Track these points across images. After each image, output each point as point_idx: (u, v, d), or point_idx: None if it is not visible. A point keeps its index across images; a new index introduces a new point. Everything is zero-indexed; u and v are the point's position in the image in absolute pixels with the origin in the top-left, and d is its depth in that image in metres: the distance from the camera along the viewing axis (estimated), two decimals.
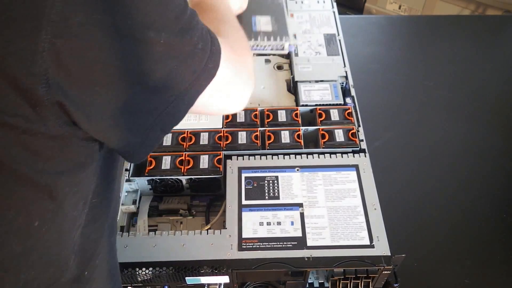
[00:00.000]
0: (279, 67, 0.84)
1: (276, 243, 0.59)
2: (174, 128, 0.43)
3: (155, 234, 0.60)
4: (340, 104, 0.75)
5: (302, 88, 0.77)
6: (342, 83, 0.79)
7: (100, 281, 0.45)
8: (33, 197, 0.35)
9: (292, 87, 0.80)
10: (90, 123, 0.34)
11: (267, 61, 0.85)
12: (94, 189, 0.41)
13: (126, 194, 0.67)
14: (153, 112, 0.38)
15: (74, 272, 0.41)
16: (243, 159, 0.67)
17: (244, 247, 0.59)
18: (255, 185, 0.65)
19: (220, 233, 0.60)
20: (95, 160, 0.39)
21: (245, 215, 0.62)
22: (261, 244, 0.59)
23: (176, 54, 0.36)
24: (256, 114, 0.73)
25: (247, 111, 0.73)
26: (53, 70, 0.30)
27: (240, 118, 0.72)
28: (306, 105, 0.75)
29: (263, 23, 0.75)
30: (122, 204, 0.66)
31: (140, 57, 0.34)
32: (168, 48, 0.35)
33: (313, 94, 0.76)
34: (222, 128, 0.71)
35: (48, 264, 0.38)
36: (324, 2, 0.94)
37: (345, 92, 0.78)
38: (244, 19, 0.73)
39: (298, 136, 0.70)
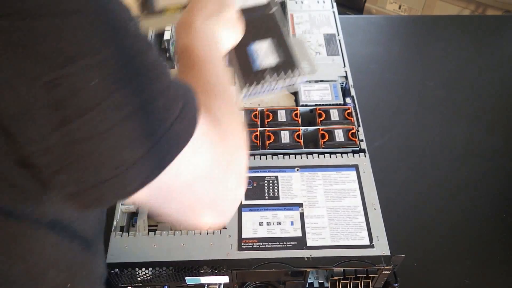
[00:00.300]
0: None
1: (276, 243, 0.59)
2: None
3: (155, 234, 0.60)
4: (340, 104, 0.75)
5: (302, 88, 0.77)
6: (342, 83, 0.79)
7: None
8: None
9: None
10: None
11: None
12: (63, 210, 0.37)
13: None
14: (92, 175, 0.28)
15: (56, 283, 0.40)
16: None
17: (244, 247, 0.59)
18: (255, 185, 0.65)
19: (220, 233, 0.60)
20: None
21: (245, 215, 0.62)
22: (261, 244, 0.59)
23: (116, 105, 0.27)
24: (256, 114, 0.73)
25: (247, 111, 0.73)
26: None
27: None
28: (306, 105, 0.75)
29: (264, 53, 0.58)
30: (122, 204, 0.66)
31: (63, 96, 0.26)
32: (108, 95, 0.27)
33: (313, 94, 0.76)
34: None
35: (12, 282, 0.37)
36: (324, 2, 0.94)
37: (345, 92, 0.78)
38: (238, 51, 0.57)
39: (298, 136, 0.70)
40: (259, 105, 0.76)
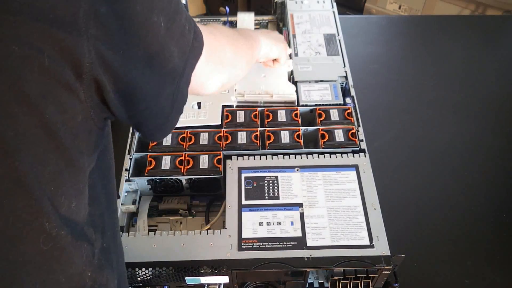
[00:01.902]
0: None
1: (276, 243, 0.59)
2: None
3: (155, 234, 0.60)
4: (340, 104, 0.75)
5: (302, 88, 0.77)
6: (342, 83, 0.79)
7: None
8: (72, 178, 0.36)
9: None
10: (117, 106, 0.37)
11: None
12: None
13: (126, 194, 0.67)
14: (169, 96, 0.42)
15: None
16: (243, 159, 0.67)
17: (244, 247, 0.59)
18: (255, 185, 0.65)
19: (220, 233, 0.60)
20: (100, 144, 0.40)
21: (245, 215, 0.62)
22: (261, 244, 0.59)
23: (173, 36, 0.39)
24: (256, 114, 0.73)
25: (247, 111, 0.73)
26: (94, 42, 0.33)
27: (240, 118, 0.72)
28: (306, 105, 0.75)
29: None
30: (122, 204, 0.66)
31: (148, 41, 0.37)
32: (167, 31, 0.38)
33: (313, 94, 0.76)
34: (222, 128, 0.71)
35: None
36: (324, 2, 0.94)
37: (345, 92, 0.78)
38: None
39: (298, 136, 0.70)
40: (259, 93, 0.75)
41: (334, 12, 0.92)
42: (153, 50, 0.38)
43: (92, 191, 0.41)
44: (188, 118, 0.72)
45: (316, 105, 0.74)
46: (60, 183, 0.35)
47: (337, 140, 0.69)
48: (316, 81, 0.78)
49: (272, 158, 0.68)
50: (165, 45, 0.39)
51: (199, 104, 0.74)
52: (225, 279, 0.59)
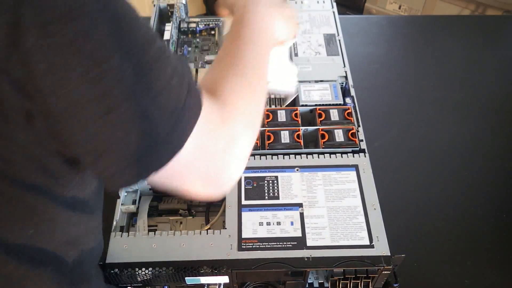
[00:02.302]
0: None
1: (275, 243, 0.59)
2: None
3: (154, 234, 0.60)
4: (340, 104, 0.75)
5: (302, 88, 0.77)
6: (342, 83, 0.79)
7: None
8: (23, 210, 0.36)
9: None
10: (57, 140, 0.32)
11: None
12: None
13: (125, 194, 0.67)
14: (131, 155, 0.32)
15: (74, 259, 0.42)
16: None
17: (244, 247, 0.59)
18: (255, 185, 0.65)
19: (220, 233, 0.60)
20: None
21: (245, 215, 0.62)
22: (261, 244, 0.59)
23: (148, 88, 0.31)
24: None
25: None
26: (20, 74, 0.28)
27: None
28: (306, 105, 0.75)
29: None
30: (122, 204, 0.66)
31: (101, 90, 0.29)
32: (139, 81, 0.31)
33: (313, 94, 0.76)
34: None
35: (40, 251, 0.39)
36: (324, 2, 0.94)
37: (345, 92, 0.78)
38: None
39: (298, 136, 0.70)
40: None
41: (334, 12, 0.92)
42: (111, 102, 0.30)
43: (85, 206, 0.41)
44: None
45: (316, 105, 0.74)
46: (2, 218, 0.35)
47: (337, 140, 0.69)
48: (316, 81, 0.78)
49: (272, 158, 0.68)
50: (131, 98, 0.30)
51: None
52: (225, 279, 0.59)
